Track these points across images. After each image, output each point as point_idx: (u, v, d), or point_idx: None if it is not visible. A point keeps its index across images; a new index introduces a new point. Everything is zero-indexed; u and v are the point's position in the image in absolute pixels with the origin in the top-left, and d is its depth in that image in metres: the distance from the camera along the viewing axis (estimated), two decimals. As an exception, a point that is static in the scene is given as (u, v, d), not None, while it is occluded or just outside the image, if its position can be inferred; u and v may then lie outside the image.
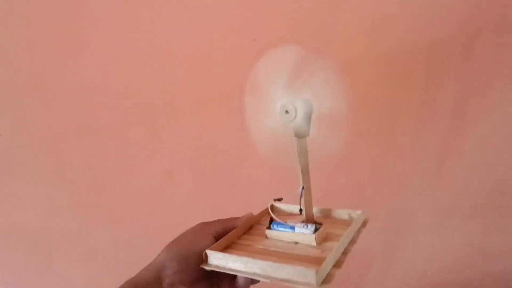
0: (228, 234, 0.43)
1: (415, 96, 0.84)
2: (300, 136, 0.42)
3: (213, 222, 0.44)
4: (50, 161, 0.84)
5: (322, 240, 0.39)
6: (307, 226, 0.40)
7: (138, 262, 1.01)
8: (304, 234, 0.39)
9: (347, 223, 0.45)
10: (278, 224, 0.42)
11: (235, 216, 0.47)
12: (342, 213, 0.47)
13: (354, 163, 0.91)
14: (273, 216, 0.44)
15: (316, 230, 0.39)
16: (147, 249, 0.98)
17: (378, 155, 0.90)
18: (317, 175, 0.89)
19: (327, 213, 0.49)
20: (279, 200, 0.49)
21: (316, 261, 0.35)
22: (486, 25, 0.76)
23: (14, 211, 0.89)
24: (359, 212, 0.44)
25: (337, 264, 0.34)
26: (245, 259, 0.35)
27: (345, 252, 0.37)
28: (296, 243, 0.40)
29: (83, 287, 1.03)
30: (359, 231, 0.41)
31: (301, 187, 0.44)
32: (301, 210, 0.44)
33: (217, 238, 0.41)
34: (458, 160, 0.90)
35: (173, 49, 0.79)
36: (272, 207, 0.52)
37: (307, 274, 0.30)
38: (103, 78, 0.79)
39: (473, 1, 0.74)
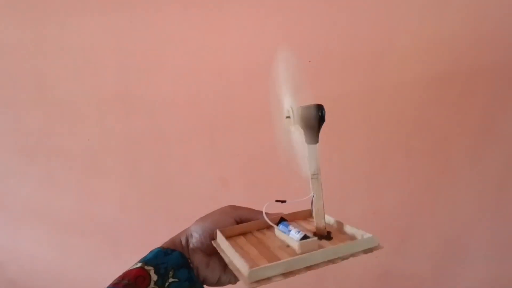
0: (245, 224, 0.46)
1: (473, 119, 0.82)
2: (309, 142, 0.42)
3: (241, 208, 0.48)
4: (125, 163, 0.97)
5: (309, 250, 0.37)
6: (299, 232, 0.40)
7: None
8: (293, 240, 0.39)
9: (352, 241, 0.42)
10: (283, 225, 0.43)
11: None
12: (355, 232, 0.44)
13: (404, 184, 0.90)
14: (283, 216, 0.46)
15: (303, 238, 0.38)
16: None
17: (430, 178, 0.89)
18: (365, 194, 0.90)
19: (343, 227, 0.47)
20: (282, 201, 0.47)
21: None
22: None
23: (91, 204, 1.03)
24: (369, 235, 0.40)
25: (287, 274, 0.34)
26: (226, 245, 0.39)
27: (309, 267, 0.35)
28: (288, 246, 0.41)
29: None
30: (354, 254, 0.38)
31: (311, 195, 0.44)
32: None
33: (239, 222, 0.46)
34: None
35: (234, 68, 0.87)
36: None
37: (244, 269, 0.33)
38: (173, 95, 0.90)
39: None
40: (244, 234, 0.46)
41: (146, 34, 0.83)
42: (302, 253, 0.36)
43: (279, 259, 0.36)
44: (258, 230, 0.47)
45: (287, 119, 0.42)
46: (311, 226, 0.47)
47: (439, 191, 0.90)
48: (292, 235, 0.40)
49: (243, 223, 0.46)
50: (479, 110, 0.81)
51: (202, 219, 0.47)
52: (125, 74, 0.88)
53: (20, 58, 0.90)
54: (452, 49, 0.77)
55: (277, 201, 0.48)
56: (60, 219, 1.07)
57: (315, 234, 0.43)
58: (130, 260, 1.14)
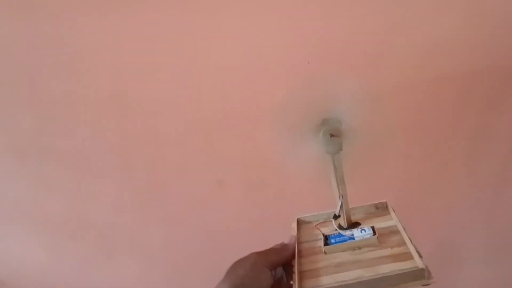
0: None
1: (470, 122, 0.82)
2: (334, 152, 0.46)
3: (266, 252, 0.43)
4: (120, 164, 0.95)
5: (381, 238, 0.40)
6: (364, 230, 0.42)
7: (186, 262, 1.09)
8: (365, 238, 0.41)
9: (379, 214, 0.47)
10: (336, 236, 0.43)
11: (280, 238, 0.48)
12: (369, 208, 0.47)
13: (402, 187, 0.90)
14: (325, 234, 0.45)
15: (374, 232, 0.41)
16: (195, 251, 1.06)
17: (427, 180, 0.89)
18: (363, 197, 0.90)
19: (355, 212, 0.51)
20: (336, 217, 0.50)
21: (401, 258, 0.38)
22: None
23: (84, 206, 1.01)
24: (384, 201, 0.46)
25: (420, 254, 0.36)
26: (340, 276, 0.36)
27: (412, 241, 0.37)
28: (359, 248, 0.41)
29: (137, 280, 1.12)
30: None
31: (340, 196, 0.47)
32: (336, 216, 0.46)
33: (272, 269, 0.41)
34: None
35: (231, 69, 0.85)
36: (298, 221, 0.53)
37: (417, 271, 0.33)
38: (169, 96, 0.88)
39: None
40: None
41: (142, 33, 0.82)
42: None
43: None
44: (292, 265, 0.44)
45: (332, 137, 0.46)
46: (323, 226, 0.49)
47: (435, 193, 0.90)
48: (359, 237, 0.41)
49: (275, 268, 0.43)
50: (475, 113, 0.82)
51: (232, 276, 0.41)
52: (120, 74, 0.86)
53: (12, 55, 0.88)
54: (449, 52, 0.77)
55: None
56: (52, 220, 1.04)
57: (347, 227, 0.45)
58: (123, 264, 1.13)
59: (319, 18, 0.78)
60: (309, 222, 0.54)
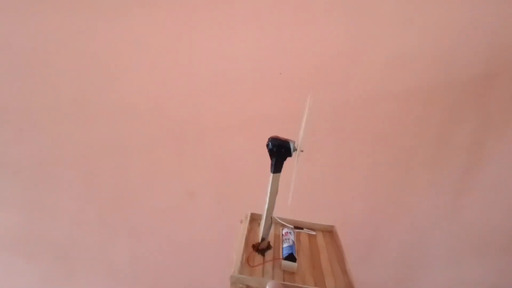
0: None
1: (432, 132, 0.86)
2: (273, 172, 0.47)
3: None
4: (82, 176, 0.89)
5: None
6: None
7: (154, 279, 1.04)
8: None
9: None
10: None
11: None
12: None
13: (369, 194, 0.93)
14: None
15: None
16: (164, 266, 1.02)
17: (394, 188, 0.92)
18: (333, 205, 0.92)
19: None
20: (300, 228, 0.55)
21: None
22: (504, 68, 0.79)
23: (43, 221, 0.94)
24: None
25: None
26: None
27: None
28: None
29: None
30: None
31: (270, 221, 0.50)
32: (263, 239, 0.49)
33: None
34: (475, 197, 0.91)
35: (203, 77, 0.84)
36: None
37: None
38: (136, 102, 0.84)
39: (493, 46, 0.78)
40: None
41: (107, 36, 0.78)
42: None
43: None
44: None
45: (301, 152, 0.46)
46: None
47: (401, 200, 0.94)
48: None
49: None
50: (437, 124, 0.86)
51: None
52: (82, 78, 0.81)
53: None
54: (413, 66, 0.80)
55: (295, 227, 0.55)
56: (4, 238, 0.95)
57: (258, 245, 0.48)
58: (85, 280, 1.05)
59: (290, 31, 0.79)
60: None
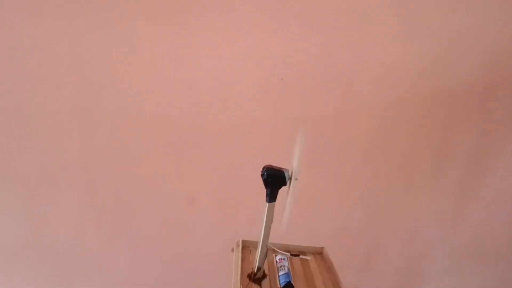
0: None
1: (433, 140, 0.86)
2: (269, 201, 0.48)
3: None
4: (82, 182, 0.89)
5: None
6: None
7: (153, 286, 1.03)
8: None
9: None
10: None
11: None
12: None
13: (370, 203, 0.92)
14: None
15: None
16: (164, 274, 1.01)
17: (395, 196, 0.92)
18: (334, 213, 0.91)
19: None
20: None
21: None
22: (505, 79, 0.80)
23: (42, 227, 0.93)
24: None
25: None
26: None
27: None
28: None
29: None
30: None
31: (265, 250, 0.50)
32: (259, 268, 0.49)
33: None
34: (476, 205, 0.91)
35: (205, 83, 0.84)
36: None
37: None
38: (137, 109, 0.84)
39: (494, 57, 0.78)
40: None
41: (111, 43, 0.78)
42: None
43: None
44: None
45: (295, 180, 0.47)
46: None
47: (402, 209, 0.94)
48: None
49: None
50: (438, 132, 0.86)
51: None
52: (84, 85, 0.81)
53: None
54: (416, 74, 0.81)
55: (292, 255, 0.55)
56: (4, 245, 0.94)
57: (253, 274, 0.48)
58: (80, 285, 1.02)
59: (293, 37, 0.79)
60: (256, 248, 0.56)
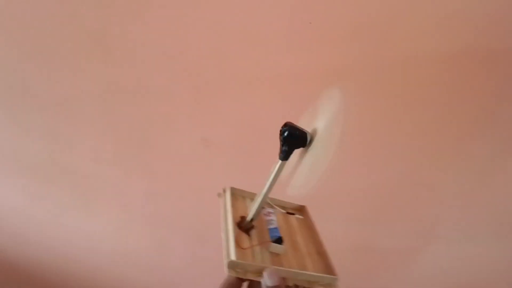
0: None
1: (478, 102, 0.78)
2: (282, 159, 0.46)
3: None
4: (102, 113, 0.89)
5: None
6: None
7: (166, 216, 1.09)
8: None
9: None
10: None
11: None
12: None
13: (397, 162, 0.89)
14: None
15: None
16: (176, 206, 1.05)
17: (415, 161, 0.88)
18: (367, 168, 0.88)
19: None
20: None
21: None
22: None
23: (62, 151, 0.97)
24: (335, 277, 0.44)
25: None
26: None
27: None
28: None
29: (114, 231, 1.12)
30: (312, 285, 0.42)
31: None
32: (252, 219, 0.48)
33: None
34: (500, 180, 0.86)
35: (231, 25, 0.78)
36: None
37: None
38: (159, 43, 0.81)
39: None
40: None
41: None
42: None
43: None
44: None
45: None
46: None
47: (422, 173, 0.90)
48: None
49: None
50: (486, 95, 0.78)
51: None
52: (105, 11, 0.78)
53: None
54: (469, 26, 0.70)
55: (288, 213, 0.54)
56: (27, 164, 1.00)
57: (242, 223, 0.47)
58: (100, 213, 1.11)
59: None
60: (243, 197, 0.55)
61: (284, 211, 0.54)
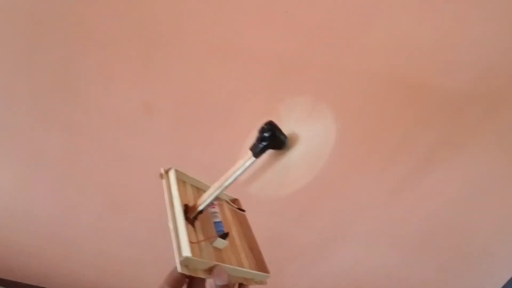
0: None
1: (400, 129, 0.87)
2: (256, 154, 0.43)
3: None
4: (23, 43, 0.74)
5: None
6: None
7: (77, 181, 0.96)
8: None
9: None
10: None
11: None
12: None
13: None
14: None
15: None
16: (92, 171, 0.94)
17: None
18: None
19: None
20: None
21: None
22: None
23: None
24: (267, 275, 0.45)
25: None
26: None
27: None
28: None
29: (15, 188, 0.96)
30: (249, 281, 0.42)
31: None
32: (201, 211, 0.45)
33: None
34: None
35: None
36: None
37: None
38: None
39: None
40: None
41: None
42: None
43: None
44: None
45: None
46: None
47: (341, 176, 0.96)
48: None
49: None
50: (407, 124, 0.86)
51: None
52: None
53: None
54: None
55: (239, 209, 0.51)
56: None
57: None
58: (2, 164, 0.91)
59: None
60: (183, 181, 0.49)
61: (235, 206, 0.51)
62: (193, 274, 0.34)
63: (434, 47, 0.74)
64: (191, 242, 0.37)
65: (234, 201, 0.54)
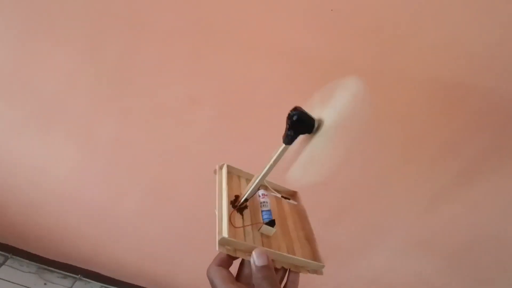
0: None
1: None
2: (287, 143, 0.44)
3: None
4: (85, 34, 0.80)
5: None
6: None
7: (126, 166, 1.03)
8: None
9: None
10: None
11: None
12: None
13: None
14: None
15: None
16: (140, 158, 1.00)
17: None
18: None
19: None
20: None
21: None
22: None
23: (32, 67, 0.86)
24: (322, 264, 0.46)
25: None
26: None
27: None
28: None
29: (74, 165, 1.04)
30: (300, 269, 0.44)
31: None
32: (247, 199, 0.48)
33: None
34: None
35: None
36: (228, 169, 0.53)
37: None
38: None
39: None
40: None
41: None
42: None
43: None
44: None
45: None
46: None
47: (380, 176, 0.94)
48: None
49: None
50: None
51: None
52: None
53: None
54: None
55: (283, 197, 0.54)
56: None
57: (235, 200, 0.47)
58: (57, 141, 1.01)
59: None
60: (238, 176, 0.55)
61: (279, 194, 0.53)
62: (232, 254, 0.38)
63: (490, 49, 0.71)
64: (234, 227, 0.42)
65: (294, 193, 0.56)
